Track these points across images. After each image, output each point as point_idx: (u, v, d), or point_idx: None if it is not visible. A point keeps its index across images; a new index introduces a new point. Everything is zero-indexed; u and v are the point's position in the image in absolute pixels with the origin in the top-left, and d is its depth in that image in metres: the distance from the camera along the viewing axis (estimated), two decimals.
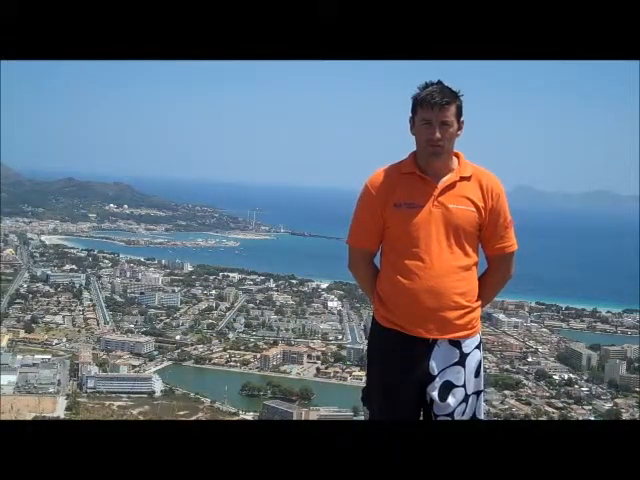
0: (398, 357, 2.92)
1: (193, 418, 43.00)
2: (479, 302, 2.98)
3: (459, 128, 2.88)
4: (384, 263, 3.01)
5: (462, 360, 2.93)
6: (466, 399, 2.95)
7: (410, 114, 2.90)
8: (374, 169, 3.03)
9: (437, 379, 2.90)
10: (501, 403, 50.07)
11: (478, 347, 2.99)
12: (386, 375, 2.96)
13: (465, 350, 2.93)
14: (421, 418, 3.00)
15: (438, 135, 2.81)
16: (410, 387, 2.92)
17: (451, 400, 2.91)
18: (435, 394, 2.90)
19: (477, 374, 2.98)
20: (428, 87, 2.84)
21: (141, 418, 42.49)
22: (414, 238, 2.86)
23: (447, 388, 2.91)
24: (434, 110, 2.79)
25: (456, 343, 2.91)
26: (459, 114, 2.86)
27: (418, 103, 2.84)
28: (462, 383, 2.93)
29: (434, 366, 2.89)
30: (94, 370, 53.08)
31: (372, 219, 2.97)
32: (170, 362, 58.26)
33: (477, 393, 2.99)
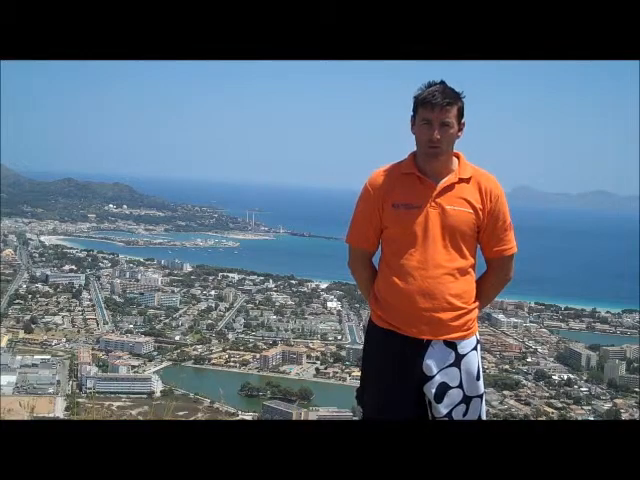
0: (392, 357, 2.90)
1: (192, 418, 42.91)
2: (476, 304, 2.96)
3: (459, 130, 2.86)
4: (382, 264, 3.00)
5: (457, 362, 2.91)
6: (465, 400, 2.93)
7: (411, 113, 2.89)
8: (374, 169, 3.03)
9: (434, 380, 2.88)
10: (500, 403, 49.99)
11: (475, 349, 2.96)
12: (380, 375, 2.95)
13: (461, 352, 2.92)
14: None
15: (437, 136, 2.80)
16: (405, 388, 2.90)
17: (447, 401, 2.90)
18: (432, 395, 2.89)
19: (478, 377, 2.96)
20: (431, 87, 2.83)
21: (140, 419, 42.39)
22: (410, 239, 2.85)
23: (443, 390, 2.89)
24: (435, 110, 2.78)
25: (451, 344, 2.90)
26: (460, 116, 2.85)
27: (419, 102, 2.83)
28: (457, 384, 2.91)
29: (430, 367, 2.87)
30: (93, 370, 53.00)
31: (371, 219, 2.97)
32: (169, 362, 58.18)
33: (480, 397, 2.97)
